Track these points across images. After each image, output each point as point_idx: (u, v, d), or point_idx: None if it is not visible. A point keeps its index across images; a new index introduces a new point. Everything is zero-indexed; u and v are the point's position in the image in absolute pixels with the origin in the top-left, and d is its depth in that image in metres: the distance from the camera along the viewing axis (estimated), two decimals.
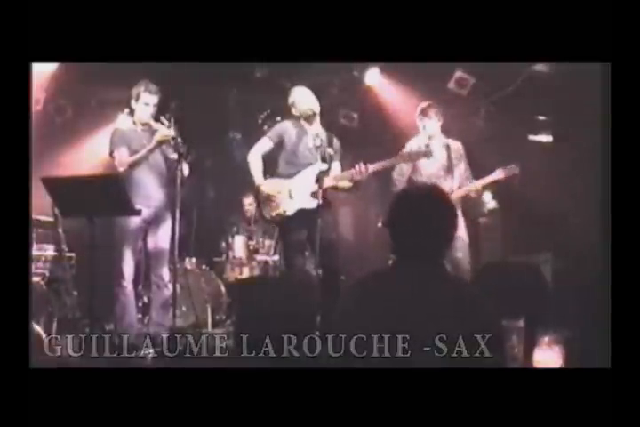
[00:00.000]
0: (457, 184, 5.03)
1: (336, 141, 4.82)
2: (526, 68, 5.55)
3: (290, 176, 4.68)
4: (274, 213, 4.66)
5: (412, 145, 5.00)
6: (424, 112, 5.02)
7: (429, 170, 5.05)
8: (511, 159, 5.11)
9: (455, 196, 4.90)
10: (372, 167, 4.50)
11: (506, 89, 5.77)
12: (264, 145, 4.80)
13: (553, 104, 5.81)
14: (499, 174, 4.96)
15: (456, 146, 5.12)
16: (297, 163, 4.67)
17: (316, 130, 4.67)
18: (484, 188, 5.13)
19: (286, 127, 4.80)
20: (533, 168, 5.10)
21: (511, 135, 6.05)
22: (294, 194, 4.63)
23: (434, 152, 4.97)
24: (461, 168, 5.09)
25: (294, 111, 4.76)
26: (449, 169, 5.06)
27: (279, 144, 4.76)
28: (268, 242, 6.71)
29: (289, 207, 4.62)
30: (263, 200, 4.73)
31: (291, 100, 4.77)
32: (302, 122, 4.76)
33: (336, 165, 4.76)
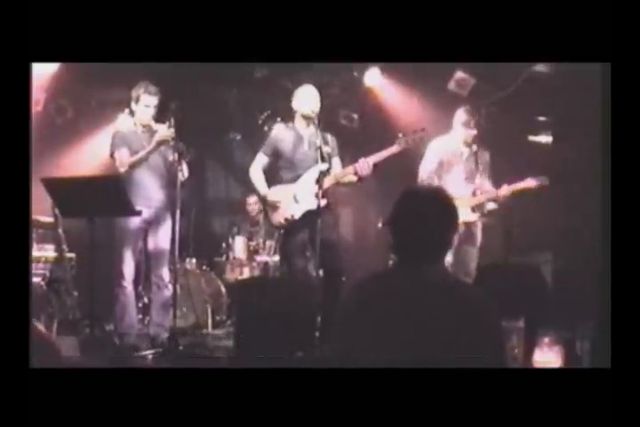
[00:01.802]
0: (476, 190, 5.01)
1: (331, 138, 4.81)
2: (526, 69, 5.55)
3: (293, 181, 4.69)
4: (282, 219, 4.67)
5: (435, 144, 4.99)
6: (467, 123, 4.95)
7: (455, 171, 5.02)
8: (511, 160, 5.11)
9: (476, 201, 4.90)
10: (371, 159, 4.49)
11: (506, 89, 5.77)
12: (260, 160, 4.83)
13: (553, 104, 5.81)
14: (528, 183, 4.93)
15: (484, 155, 5.09)
16: (297, 167, 4.68)
17: (311, 131, 4.66)
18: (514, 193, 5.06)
19: (279, 135, 4.82)
20: (533, 169, 5.09)
21: (511, 136, 6.05)
22: (299, 197, 4.63)
23: (464, 154, 4.98)
24: (483, 178, 5.06)
25: (294, 105, 4.76)
26: (474, 174, 5.03)
27: (275, 155, 4.78)
28: (268, 243, 6.72)
29: (296, 211, 4.63)
30: (270, 208, 4.75)
31: (295, 96, 4.77)
32: (298, 123, 4.77)
33: (336, 161, 4.77)
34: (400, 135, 4.49)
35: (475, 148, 5.01)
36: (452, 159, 5.03)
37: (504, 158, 5.30)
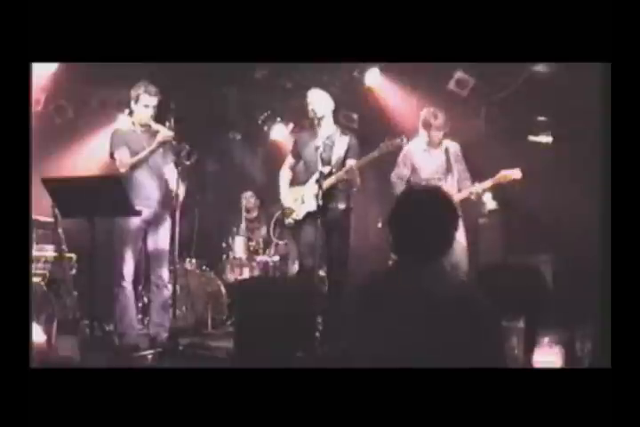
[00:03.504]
0: (455, 186, 5.01)
1: (350, 140, 4.83)
2: (526, 69, 5.54)
3: (305, 182, 4.80)
4: (292, 220, 4.83)
5: (409, 146, 4.99)
6: (426, 124, 4.95)
7: (428, 172, 5.05)
8: (511, 160, 5.09)
9: (456, 198, 4.88)
10: (355, 165, 4.59)
11: (506, 89, 5.76)
12: (288, 160, 5.02)
13: (553, 104, 5.80)
14: (500, 177, 4.91)
15: (454, 148, 5.10)
16: (311, 169, 4.76)
17: (327, 132, 4.74)
18: (485, 190, 5.07)
19: (300, 136, 5.00)
20: (533, 169, 5.08)
21: (511, 136, 6.04)
22: (305, 199, 4.74)
23: (432, 155, 5.00)
24: (459, 169, 5.06)
25: (310, 112, 4.82)
26: (447, 171, 5.04)
27: (297, 156, 4.93)
28: (268, 243, 6.73)
29: (300, 212, 4.76)
30: (284, 210, 4.91)
31: (307, 101, 4.84)
32: (316, 126, 4.82)
33: (352, 163, 4.78)
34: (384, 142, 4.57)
35: (443, 147, 5.02)
36: (420, 160, 5.05)
37: (504, 158, 5.28)
